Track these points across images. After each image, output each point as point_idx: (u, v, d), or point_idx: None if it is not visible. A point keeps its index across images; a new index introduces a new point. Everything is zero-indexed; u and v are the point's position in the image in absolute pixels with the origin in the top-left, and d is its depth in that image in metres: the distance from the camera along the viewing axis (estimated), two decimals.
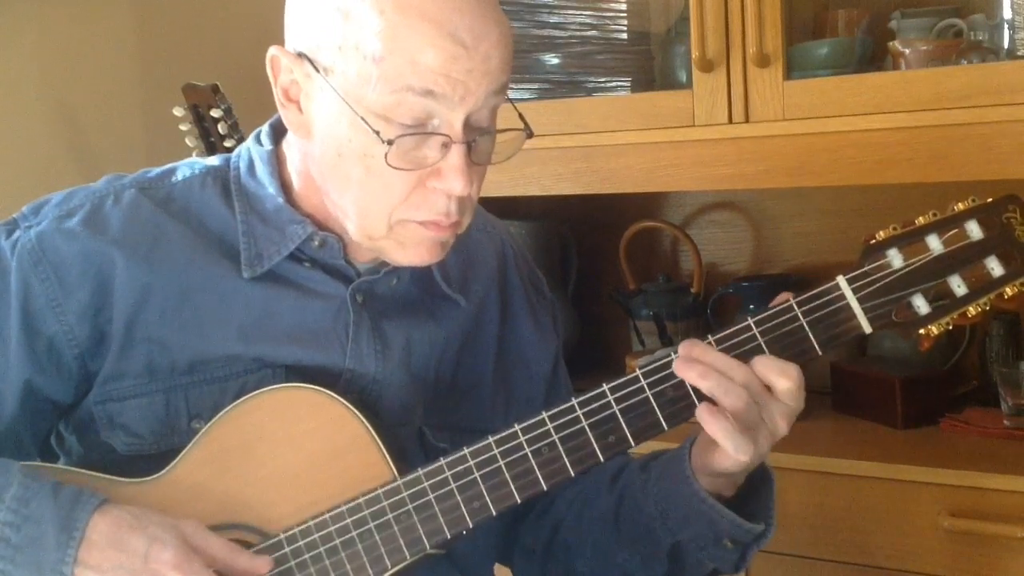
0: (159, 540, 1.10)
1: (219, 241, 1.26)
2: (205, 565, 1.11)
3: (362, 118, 1.14)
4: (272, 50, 1.21)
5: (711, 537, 1.23)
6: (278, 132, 1.30)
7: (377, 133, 1.14)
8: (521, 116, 1.22)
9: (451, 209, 1.18)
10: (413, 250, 1.21)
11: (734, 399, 1.12)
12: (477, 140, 1.17)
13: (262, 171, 1.28)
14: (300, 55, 1.18)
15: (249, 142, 1.33)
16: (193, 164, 1.32)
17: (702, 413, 1.14)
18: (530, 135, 1.22)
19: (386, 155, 1.14)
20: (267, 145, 1.30)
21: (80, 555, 1.09)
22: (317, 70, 1.17)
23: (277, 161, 1.29)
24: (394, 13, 1.11)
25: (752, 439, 1.14)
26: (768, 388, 1.14)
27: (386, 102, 1.13)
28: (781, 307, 1.17)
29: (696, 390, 1.15)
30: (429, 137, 1.15)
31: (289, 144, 1.28)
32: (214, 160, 1.33)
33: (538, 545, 1.40)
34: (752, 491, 1.25)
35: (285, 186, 1.28)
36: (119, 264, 1.22)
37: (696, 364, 1.14)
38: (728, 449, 1.14)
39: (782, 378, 1.14)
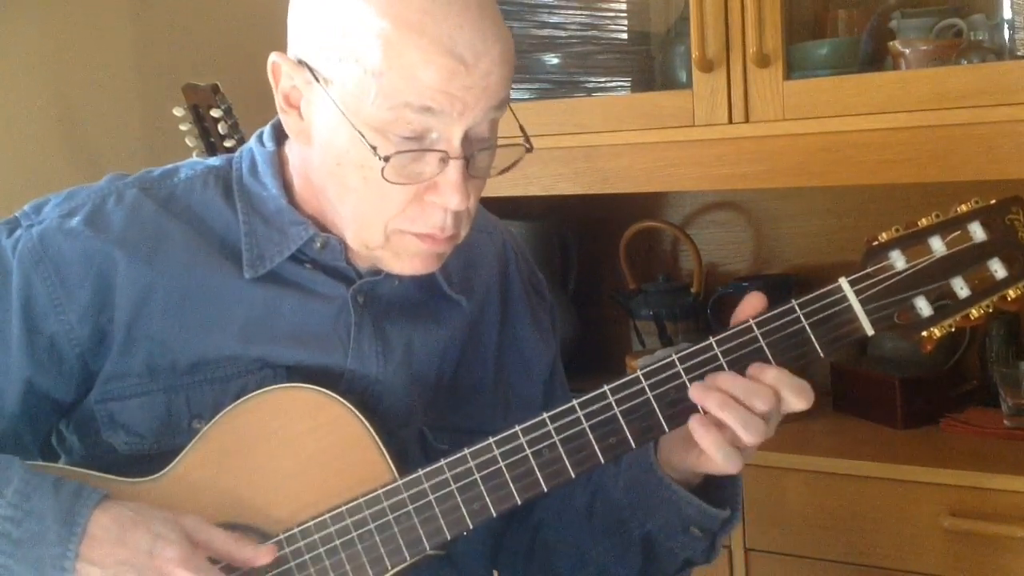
0: (163, 537, 1.10)
1: (221, 241, 1.26)
2: (208, 559, 1.11)
3: (359, 132, 1.14)
4: (273, 56, 1.20)
5: (678, 525, 1.24)
6: (280, 133, 1.29)
7: (374, 148, 1.14)
8: (522, 129, 1.22)
9: (447, 223, 1.18)
10: (408, 261, 1.21)
11: (753, 433, 1.13)
12: (476, 154, 1.17)
13: (264, 172, 1.28)
14: (301, 63, 1.18)
15: (252, 142, 1.32)
16: (195, 164, 1.32)
17: (696, 427, 1.14)
18: (529, 149, 1.22)
19: (383, 170, 1.14)
20: (269, 146, 1.30)
21: (82, 550, 1.09)
22: (317, 80, 1.17)
23: (279, 162, 1.29)
24: (394, 28, 1.11)
25: (743, 453, 1.16)
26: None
27: (384, 117, 1.13)
28: (783, 309, 1.16)
29: None
30: (426, 152, 1.15)
31: (291, 146, 1.28)
32: (216, 160, 1.33)
33: (521, 547, 1.40)
34: (718, 480, 1.24)
35: (287, 187, 1.28)
36: (121, 264, 1.22)
37: (715, 392, 1.14)
38: (718, 461, 1.15)
39: (800, 401, 1.14)
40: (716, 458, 1.14)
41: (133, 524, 1.11)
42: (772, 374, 1.14)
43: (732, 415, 1.13)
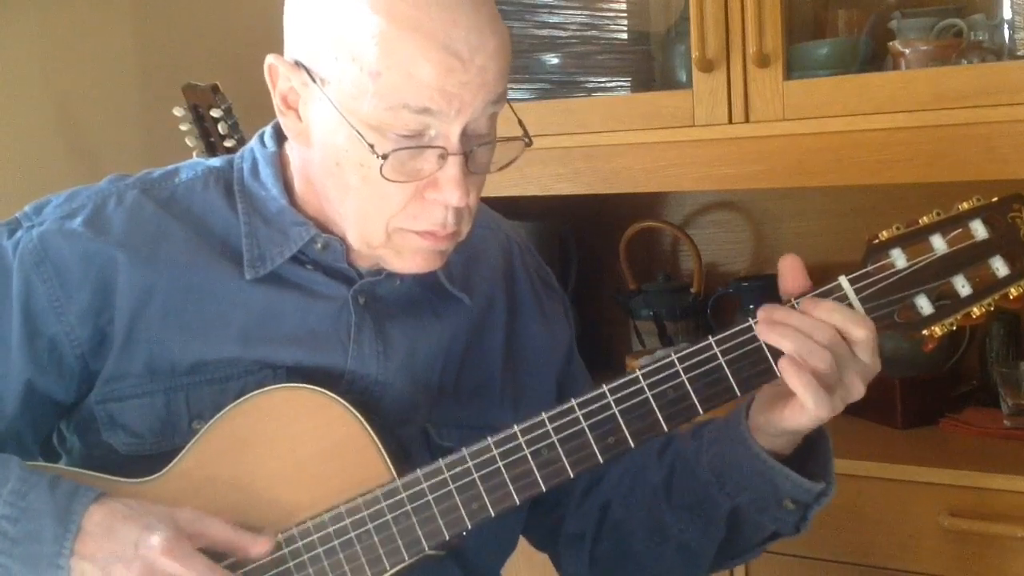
0: (150, 527, 1.10)
1: (221, 242, 1.26)
2: (196, 550, 1.10)
3: (357, 131, 1.14)
4: (269, 58, 1.21)
5: (772, 498, 1.23)
6: (281, 133, 1.29)
7: (372, 147, 1.14)
8: (521, 123, 1.22)
9: (448, 220, 1.18)
10: (411, 259, 1.21)
11: (818, 360, 1.12)
12: (475, 150, 1.17)
13: (265, 173, 1.28)
14: (297, 64, 1.18)
15: (253, 143, 1.33)
16: (196, 165, 1.32)
17: (786, 366, 1.13)
18: (529, 144, 1.22)
19: (381, 168, 1.14)
20: (270, 146, 1.30)
21: (76, 547, 1.09)
22: (314, 80, 1.17)
23: (280, 163, 1.29)
24: (389, 26, 1.11)
25: (831, 397, 1.14)
26: (847, 341, 1.14)
27: (381, 116, 1.13)
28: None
29: (698, 390, 1.15)
30: (425, 149, 1.15)
31: (291, 147, 1.28)
32: (217, 161, 1.33)
33: (587, 529, 1.39)
34: (809, 450, 1.24)
35: (288, 188, 1.28)
36: (121, 265, 1.22)
37: (777, 326, 1.14)
38: (809, 404, 1.13)
39: (860, 328, 1.13)
40: (806, 399, 1.12)
41: (124, 518, 1.11)
42: (825, 307, 1.14)
43: (795, 344, 1.12)
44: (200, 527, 1.13)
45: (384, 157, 1.13)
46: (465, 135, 1.15)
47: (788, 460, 1.22)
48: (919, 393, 2.00)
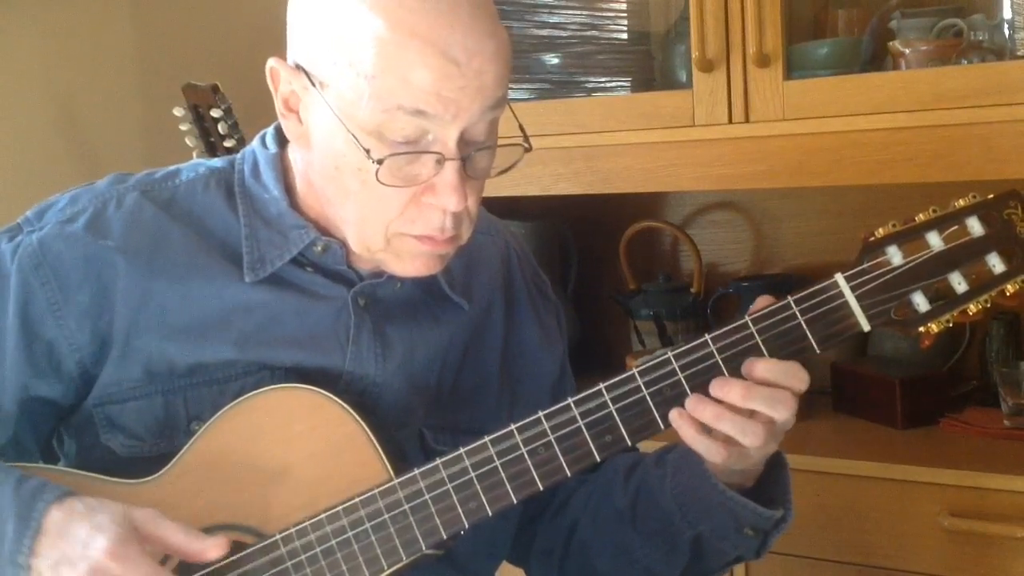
0: (99, 528, 1.08)
1: (221, 244, 1.26)
2: (145, 552, 1.09)
3: (354, 136, 1.14)
4: (271, 62, 1.21)
5: (732, 527, 1.23)
6: (283, 135, 1.29)
7: (368, 152, 1.14)
8: (522, 128, 1.21)
9: (446, 224, 1.18)
10: (410, 263, 1.21)
11: (752, 438, 1.14)
12: (473, 155, 1.17)
13: (266, 174, 1.28)
14: (298, 67, 1.18)
15: (254, 144, 1.32)
16: (197, 165, 1.32)
17: (674, 419, 1.15)
18: (529, 149, 1.21)
19: (377, 173, 1.14)
20: (272, 148, 1.30)
21: (35, 545, 1.09)
22: (313, 84, 1.17)
23: (282, 164, 1.29)
24: (386, 30, 1.11)
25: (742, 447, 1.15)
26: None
27: (378, 120, 1.13)
28: (779, 305, 1.16)
29: (695, 388, 1.15)
30: (422, 154, 1.14)
31: (293, 149, 1.28)
32: (218, 162, 1.33)
33: (556, 546, 1.40)
34: (769, 476, 1.25)
35: (289, 190, 1.28)
36: (120, 268, 1.22)
37: (709, 406, 1.14)
38: (701, 453, 1.16)
39: (799, 383, 1.15)
40: (699, 451, 1.15)
41: (80, 517, 1.09)
42: (760, 368, 1.14)
43: (727, 426, 1.14)
44: (153, 528, 1.11)
45: (380, 162, 1.13)
46: (463, 140, 1.15)
47: (751, 486, 1.24)
48: (919, 393, 2.00)
